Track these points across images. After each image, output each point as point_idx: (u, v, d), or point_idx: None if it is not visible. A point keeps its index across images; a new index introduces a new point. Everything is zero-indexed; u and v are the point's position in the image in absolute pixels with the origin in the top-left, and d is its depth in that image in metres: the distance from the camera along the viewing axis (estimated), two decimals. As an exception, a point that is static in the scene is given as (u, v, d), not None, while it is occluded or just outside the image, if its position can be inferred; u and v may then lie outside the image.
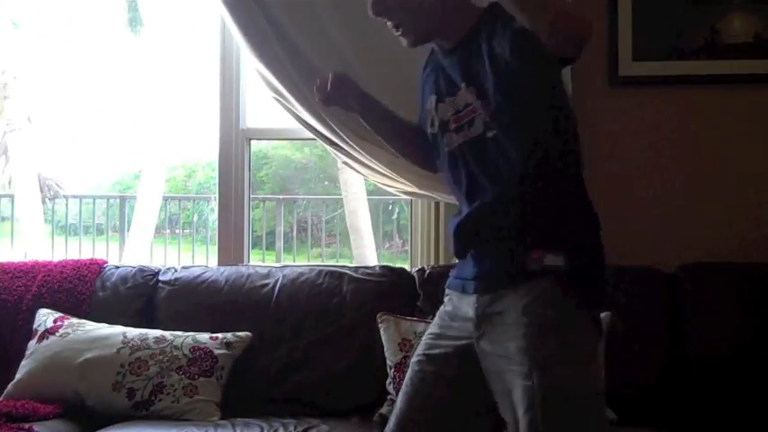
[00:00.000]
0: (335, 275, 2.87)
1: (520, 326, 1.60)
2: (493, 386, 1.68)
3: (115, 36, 7.99)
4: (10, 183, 8.06)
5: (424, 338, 1.86)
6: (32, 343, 2.75)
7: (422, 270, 2.88)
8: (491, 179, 1.72)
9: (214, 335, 2.72)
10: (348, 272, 2.90)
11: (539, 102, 1.67)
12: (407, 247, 3.52)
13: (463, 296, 1.78)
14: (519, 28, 1.58)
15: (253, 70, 3.08)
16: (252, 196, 3.35)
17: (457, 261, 1.88)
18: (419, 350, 1.84)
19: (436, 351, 1.80)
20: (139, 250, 7.49)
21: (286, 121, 3.15)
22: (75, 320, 2.79)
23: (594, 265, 1.67)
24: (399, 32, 1.84)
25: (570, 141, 1.72)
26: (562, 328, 1.59)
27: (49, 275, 2.96)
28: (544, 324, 1.58)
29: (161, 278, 2.95)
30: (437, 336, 1.83)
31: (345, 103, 2.02)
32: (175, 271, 2.98)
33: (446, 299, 1.88)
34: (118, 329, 2.75)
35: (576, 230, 1.67)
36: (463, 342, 1.75)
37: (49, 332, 2.74)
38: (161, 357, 2.65)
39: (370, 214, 7.16)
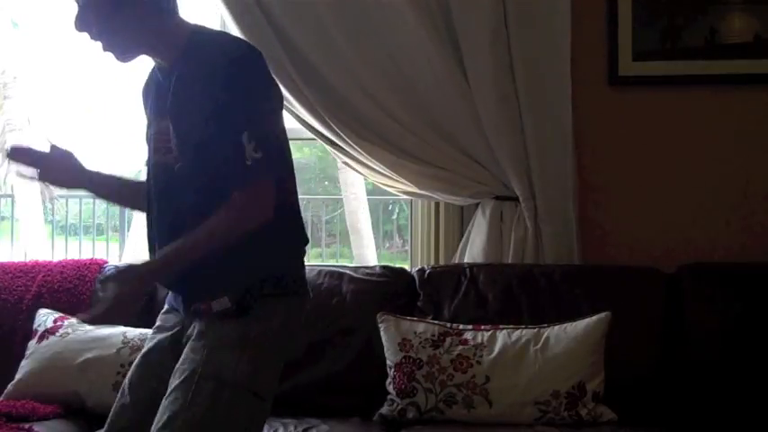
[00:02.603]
0: (335, 275, 2.86)
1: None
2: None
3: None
4: (5, 181, 8.04)
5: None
6: (32, 343, 2.75)
7: (422, 270, 2.88)
8: (170, 216, 1.82)
9: (214, 335, 2.72)
10: (348, 272, 2.90)
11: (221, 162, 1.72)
12: (407, 247, 3.53)
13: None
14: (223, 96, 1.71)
15: (253, 70, 3.08)
16: (252, 196, 3.34)
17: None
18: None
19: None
20: (139, 250, 7.48)
21: (286, 121, 3.13)
22: (75, 320, 2.79)
23: (266, 285, 1.80)
24: (103, 49, 1.83)
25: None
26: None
27: (49, 275, 2.96)
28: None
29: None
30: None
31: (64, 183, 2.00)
32: (175, 271, 2.97)
33: None
34: (118, 329, 2.75)
35: (243, 270, 1.77)
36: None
37: (49, 332, 2.74)
38: (161, 357, 2.65)
39: (370, 214, 7.16)
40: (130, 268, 1.80)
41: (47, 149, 1.92)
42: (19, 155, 1.91)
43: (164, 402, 1.74)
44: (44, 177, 1.94)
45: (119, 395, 1.93)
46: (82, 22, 1.78)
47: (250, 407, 1.76)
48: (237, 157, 1.69)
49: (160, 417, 1.72)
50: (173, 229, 1.79)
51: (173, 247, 1.74)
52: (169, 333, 1.92)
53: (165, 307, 2.00)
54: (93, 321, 1.92)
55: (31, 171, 1.91)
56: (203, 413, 1.70)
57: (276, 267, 1.82)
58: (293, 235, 1.88)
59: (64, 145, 1.95)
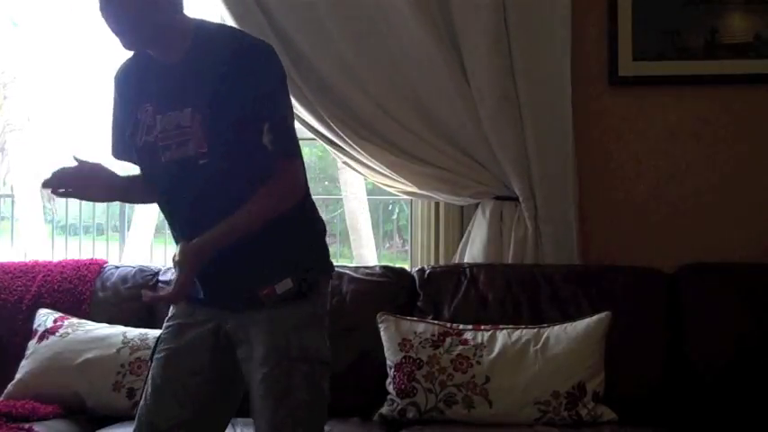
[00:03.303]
0: (335, 275, 2.85)
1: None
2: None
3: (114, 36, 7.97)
4: (4, 182, 8.04)
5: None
6: (32, 343, 2.75)
7: (422, 270, 2.88)
8: (216, 210, 1.83)
9: (214, 335, 2.72)
10: (348, 272, 2.89)
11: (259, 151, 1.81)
12: (407, 247, 3.52)
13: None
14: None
15: (253, 70, 3.07)
16: (252, 196, 3.34)
17: None
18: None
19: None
20: (139, 250, 7.48)
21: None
22: (75, 320, 2.79)
23: (318, 265, 1.96)
24: (113, 32, 1.83)
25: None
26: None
27: (49, 275, 2.96)
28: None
29: (161, 278, 2.95)
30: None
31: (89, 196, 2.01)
32: (175, 271, 2.97)
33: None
34: (118, 329, 2.75)
35: (299, 253, 1.90)
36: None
37: (49, 332, 2.75)
38: (161, 357, 2.65)
39: (370, 214, 7.15)
40: (186, 249, 1.81)
41: (75, 165, 1.89)
42: (53, 182, 1.87)
43: (260, 391, 1.82)
44: (80, 195, 1.95)
45: (146, 398, 1.93)
46: (108, 7, 1.78)
47: (328, 376, 1.91)
48: (271, 144, 1.80)
49: (262, 405, 1.81)
50: (220, 218, 1.81)
51: (219, 228, 1.80)
52: (205, 328, 1.92)
53: (184, 306, 1.96)
54: (156, 300, 1.92)
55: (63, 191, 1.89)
56: (306, 394, 1.82)
57: (320, 247, 1.98)
58: (320, 218, 2.01)
59: (88, 157, 1.92)
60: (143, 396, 1.97)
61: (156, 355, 1.96)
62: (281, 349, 1.83)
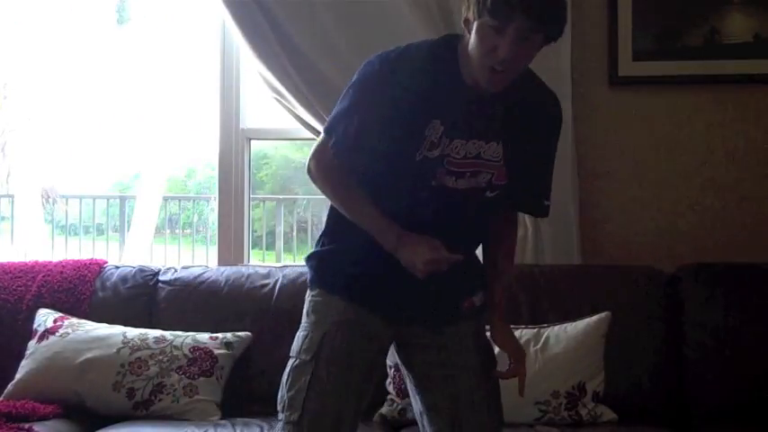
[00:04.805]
0: (335, 275, 2.86)
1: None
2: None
3: (115, 37, 7.98)
4: (7, 181, 8.05)
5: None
6: (32, 343, 2.75)
7: (422, 270, 2.87)
8: (468, 234, 1.91)
9: (214, 335, 2.72)
10: (348, 272, 2.89)
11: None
12: (407, 247, 3.52)
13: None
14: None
15: (253, 70, 3.08)
16: (252, 196, 3.35)
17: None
18: None
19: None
20: (139, 250, 7.48)
21: (286, 121, 3.14)
22: (75, 320, 2.79)
23: None
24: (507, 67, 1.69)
25: None
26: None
27: (49, 275, 2.96)
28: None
29: (161, 278, 2.95)
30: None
31: None
32: (175, 271, 2.98)
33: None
34: (118, 329, 2.75)
35: (482, 265, 2.03)
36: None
37: (49, 332, 2.74)
38: (161, 357, 2.65)
39: (369, 214, 7.13)
40: (519, 348, 1.97)
41: None
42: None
43: (479, 394, 1.90)
44: None
45: (324, 392, 1.90)
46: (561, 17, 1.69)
47: None
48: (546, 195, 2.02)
49: (477, 405, 1.89)
50: (464, 247, 1.87)
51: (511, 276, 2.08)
52: (384, 338, 1.94)
53: (358, 313, 1.87)
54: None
55: None
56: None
57: None
58: None
59: None
60: (311, 392, 1.90)
61: (323, 354, 1.89)
62: (489, 356, 1.95)
